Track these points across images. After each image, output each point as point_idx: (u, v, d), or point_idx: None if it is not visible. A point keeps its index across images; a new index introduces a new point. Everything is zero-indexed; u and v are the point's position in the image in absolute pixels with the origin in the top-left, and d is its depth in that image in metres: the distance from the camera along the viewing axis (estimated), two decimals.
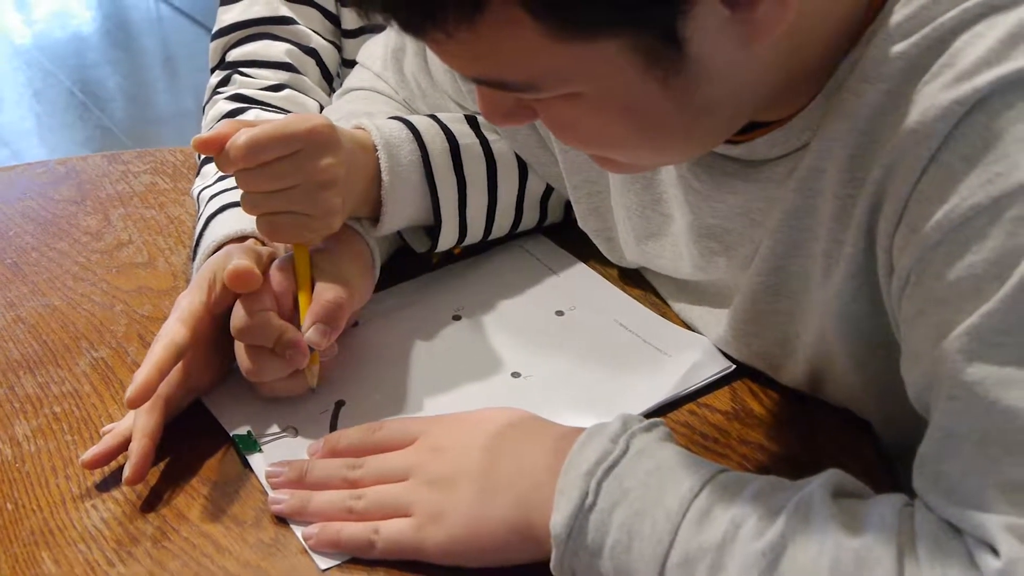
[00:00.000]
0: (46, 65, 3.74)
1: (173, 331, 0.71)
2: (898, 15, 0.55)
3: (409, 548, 0.63)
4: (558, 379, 0.78)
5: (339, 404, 0.76)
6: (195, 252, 0.82)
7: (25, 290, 0.91)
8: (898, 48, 0.55)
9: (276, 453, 0.72)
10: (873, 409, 0.71)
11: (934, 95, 0.53)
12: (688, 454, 0.61)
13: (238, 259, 0.73)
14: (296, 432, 0.74)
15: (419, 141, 0.83)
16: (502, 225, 0.89)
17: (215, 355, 0.75)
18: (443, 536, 0.62)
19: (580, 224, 0.87)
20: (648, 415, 0.73)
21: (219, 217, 0.82)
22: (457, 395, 0.77)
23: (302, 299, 0.74)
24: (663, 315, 0.83)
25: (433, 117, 0.87)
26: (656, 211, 0.78)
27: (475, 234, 0.88)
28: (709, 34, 0.52)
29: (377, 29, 0.99)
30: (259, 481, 0.70)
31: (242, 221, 0.80)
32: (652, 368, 0.78)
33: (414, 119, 0.85)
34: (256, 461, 0.71)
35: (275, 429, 0.74)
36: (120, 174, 1.08)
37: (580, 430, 0.62)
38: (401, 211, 0.83)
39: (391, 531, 0.63)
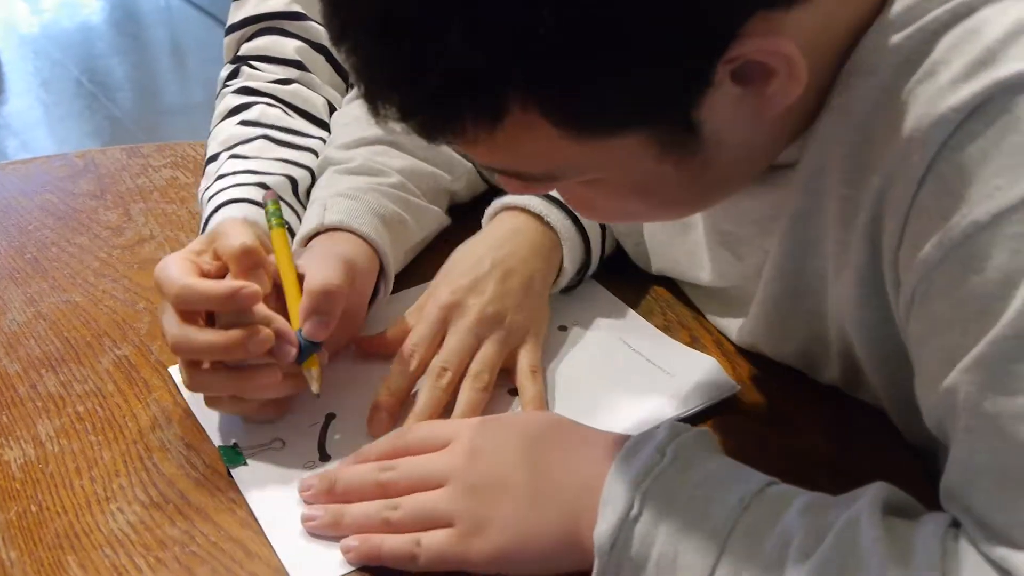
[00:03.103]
0: (54, 54, 3.73)
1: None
2: (898, 6, 0.53)
3: (453, 560, 0.61)
4: (558, 396, 0.75)
5: (330, 417, 0.73)
6: None
7: (45, 286, 0.90)
8: (892, 41, 0.53)
9: (262, 466, 0.70)
10: (896, 416, 0.69)
11: (930, 100, 0.51)
12: (736, 465, 0.59)
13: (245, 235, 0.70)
14: (283, 444, 0.71)
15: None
16: None
17: None
18: (489, 547, 0.61)
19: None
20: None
21: (217, 214, 0.81)
22: (453, 411, 0.73)
23: (288, 291, 0.71)
24: (682, 323, 0.82)
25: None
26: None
27: None
28: (722, 112, 0.52)
29: None
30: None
31: (236, 214, 0.78)
32: (653, 389, 0.75)
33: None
34: (240, 474, 0.69)
35: (262, 441, 0.71)
36: (140, 168, 1.07)
37: (626, 437, 0.61)
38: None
39: (434, 543, 0.61)
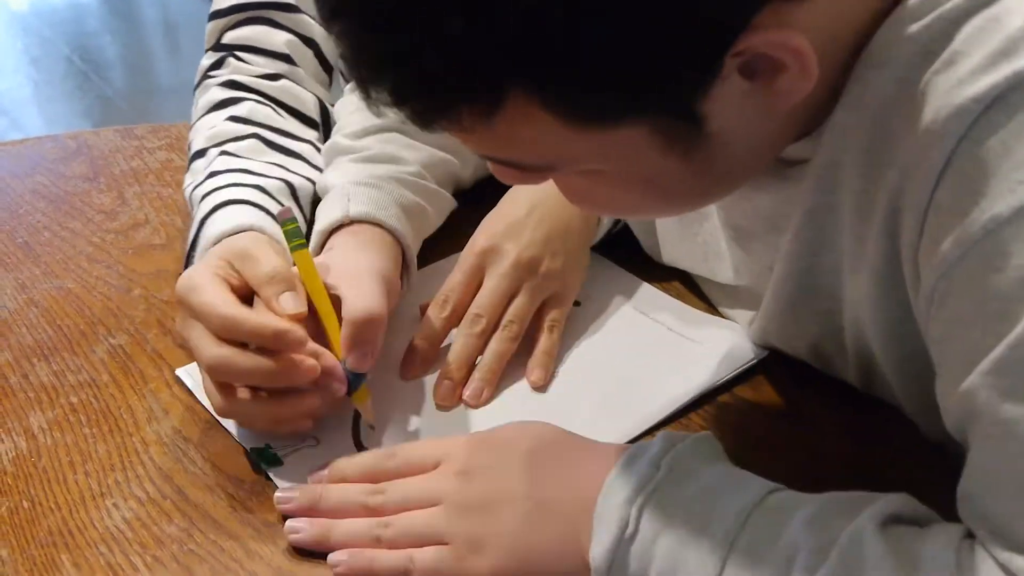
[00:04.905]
0: (44, 32, 3.68)
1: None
2: None
3: None
4: (584, 375, 0.74)
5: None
6: (189, 257, 0.76)
7: (37, 272, 0.87)
8: (910, 30, 0.51)
9: (299, 465, 0.67)
10: (915, 415, 0.67)
11: (949, 90, 0.48)
12: (736, 472, 0.57)
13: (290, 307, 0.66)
14: (317, 442, 0.69)
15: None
16: None
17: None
18: (488, 565, 0.58)
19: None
20: (685, 408, 0.71)
21: (215, 216, 0.76)
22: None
23: (325, 318, 0.68)
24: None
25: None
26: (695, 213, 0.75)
27: None
28: (729, 107, 0.50)
29: None
30: None
31: (240, 217, 0.74)
32: (682, 358, 0.74)
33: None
34: (279, 474, 0.67)
35: (296, 440, 0.69)
36: (134, 150, 1.04)
37: (623, 447, 0.59)
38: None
39: (428, 560, 0.59)
